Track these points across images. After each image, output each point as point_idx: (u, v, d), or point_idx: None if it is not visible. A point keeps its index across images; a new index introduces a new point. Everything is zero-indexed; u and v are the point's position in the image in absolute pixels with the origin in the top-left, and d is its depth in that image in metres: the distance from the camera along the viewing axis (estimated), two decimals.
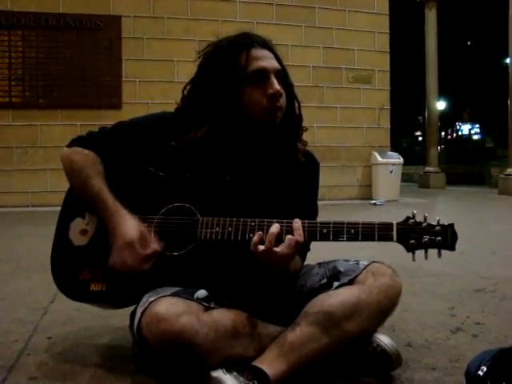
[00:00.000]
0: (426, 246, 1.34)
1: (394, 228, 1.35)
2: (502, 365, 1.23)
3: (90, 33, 7.86)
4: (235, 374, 1.27)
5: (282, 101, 1.48)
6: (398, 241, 1.35)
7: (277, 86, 1.45)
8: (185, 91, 1.55)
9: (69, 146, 1.57)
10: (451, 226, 1.36)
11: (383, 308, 1.45)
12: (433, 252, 1.35)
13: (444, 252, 1.34)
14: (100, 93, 7.87)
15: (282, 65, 1.51)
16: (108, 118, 7.52)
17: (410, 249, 1.35)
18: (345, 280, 1.48)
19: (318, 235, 1.38)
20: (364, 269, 1.50)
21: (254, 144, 1.53)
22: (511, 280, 2.83)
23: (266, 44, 1.50)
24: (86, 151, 1.53)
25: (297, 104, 1.57)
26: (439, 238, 1.34)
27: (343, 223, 1.37)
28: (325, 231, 1.38)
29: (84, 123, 7.34)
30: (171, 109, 1.60)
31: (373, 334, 1.49)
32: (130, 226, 1.42)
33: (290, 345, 1.36)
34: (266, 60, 1.46)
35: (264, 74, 1.45)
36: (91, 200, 1.47)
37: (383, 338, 1.49)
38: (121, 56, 7.99)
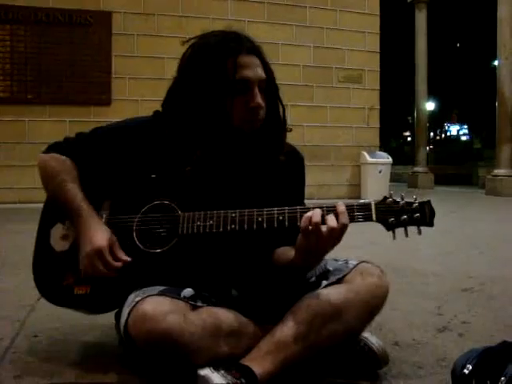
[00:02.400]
0: (405, 224, 1.35)
1: (373, 207, 1.36)
2: (486, 363, 1.24)
3: (80, 28, 7.80)
4: (223, 372, 1.27)
5: (262, 112, 1.47)
6: (378, 220, 1.36)
7: (258, 99, 1.43)
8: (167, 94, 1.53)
9: (45, 152, 1.57)
10: (428, 202, 1.37)
11: (371, 307, 1.46)
12: (414, 237, 1.35)
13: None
14: (89, 89, 7.81)
15: (269, 69, 1.49)
16: (97, 115, 7.49)
17: (390, 227, 1.35)
18: (333, 279, 1.48)
19: (298, 220, 1.37)
20: (353, 268, 1.50)
21: (236, 145, 1.52)
22: (498, 279, 2.86)
23: (254, 49, 1.47)
24: (63, 157, 1.54)
25: (281, 108, 1.55)
26: (417, 215, 1.35)
27: (322, 207, 1.36)
28: None
29: (73, 119, 7.30)
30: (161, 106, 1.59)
31: (360, 333, 1.50)
32: (100, 233, 1.43)
33: (278, 343, 1.36)
34: (251, 69, 1.44)
35: (247, 84, 1.43)
36: (65, 205, 1.48)
37: (370, 337, 1.50)
38: (111, 52, 7.93)
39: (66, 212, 1.50)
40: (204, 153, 1.47)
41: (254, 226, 1.39)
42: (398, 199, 1.37)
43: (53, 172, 1.52)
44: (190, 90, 1.45)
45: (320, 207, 1.36)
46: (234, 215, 1.40)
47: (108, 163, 1.52)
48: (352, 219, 1.35)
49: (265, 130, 1.51)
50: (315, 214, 1.33)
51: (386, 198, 1.38)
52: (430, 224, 1.36)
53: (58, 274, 1.51)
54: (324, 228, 1.33)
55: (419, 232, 1.35)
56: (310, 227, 1.32)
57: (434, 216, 1.36)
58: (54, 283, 1.52)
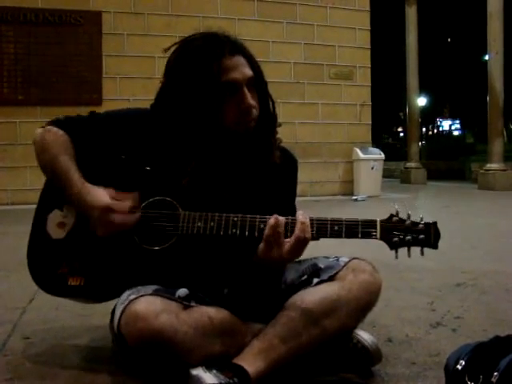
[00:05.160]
0: (409, 244, 1.35)
1: (378, 225, 1.35)
2: (479, 358, 1.24)
3: (70, 28, 7.76)
4: (215, 371, 1.27)
5: (255, 111, 1.45)
6: (382, 238, 1.35)
7: (249, 99, 1.42)
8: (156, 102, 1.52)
9: (43, 127, 1.55)
10: (434, 224, 1.36)
11: (363, 304, 1.46)
12: (415, 249, 1.36)
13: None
14: (80, 89, 7.77)
15: (255, 65, 1.47)
16: None
17: (393, 246, 1.35)
18: (325, 277, 1.48)
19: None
20: (344, 265, 1.50)
21: (230, 147, 1.51)
22: (491, 274, 2.87)
23: (236, 48, 1.44)
24: (61, 132, 1.51)
25: (271, 103, 1.53)
26: (422, 236, 1.34)
27: (327, 220, 1.36)
28: None
29: None
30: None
31: (353, 330, 1.50)
32: (99, 193, 1.41)
33: (271, 342, 1.35)
34: (237, 70, 1.41)
35: (236, 86, 1.41)
36: (58, 177, 1.46)
37: (363, 334, 1.50)
38: (101, 52, 7.90)
39: (59, 186, 1.47)
40: (198, 163, 1.46)
41: (256, 233, 1.37)
42: (404, 218, 1.36)
43: (48, 144, 1.48)
44: (178, 97, 1.44)
45: (286, 218, 1.36)
46: (235, 219, 1.39)
47: (104, 147, 1.50)
48: (356, 235, 1.35)
49: (258, 127, 1.49)
50: (279, 224, 1.34)
51: (392, 215, 1.37)
52: (435, 246, 1.35)
53: (53, 263, 1.50)
54: (286, 239, 1.34)
55: (422, 253, 1.35)
56: (273, 238, 1.33)
57: (438, 238, 1.35)
58: (47, 271, 1.50)
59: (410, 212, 1.38)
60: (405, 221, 1.36)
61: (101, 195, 1.41)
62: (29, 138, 7.44)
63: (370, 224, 1.36)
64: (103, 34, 7.91)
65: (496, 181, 9.79)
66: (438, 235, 1.35)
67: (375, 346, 1.48)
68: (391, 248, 1.35)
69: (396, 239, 1.35)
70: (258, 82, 1.48)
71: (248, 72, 1.44)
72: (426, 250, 1.36)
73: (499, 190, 9.50)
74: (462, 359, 1.26)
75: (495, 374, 1.18)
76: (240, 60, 1.44)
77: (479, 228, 5.01)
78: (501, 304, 2.28)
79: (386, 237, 1.35)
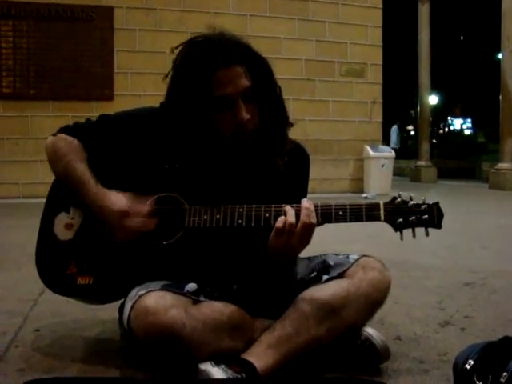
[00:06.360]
0: (413, 225, 1.36)
1: (381, 207, 1.37)
2: (488, 358, 1.24)
3: (82, 24, 7.80)
4: (223, 366, 1.28)
5: (251, 124, 1.42)
6: (386, 220, 1.36)
7: (243, 113, 1.39)
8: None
9: (54, 135, 1.57)
10: (437, 204, 1.37)
11: (372, 301, 1.46)
12: (420, 234, 1.36)
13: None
14: (92, 84, 7.81)
15: (257, 71, 1.42)
16: (99, 110, 7.41)
17: (398, 228, 1.36)
18: (334, 274, 1.48)
19: None
20: (354, 263, 1.50)
21: (235, 151, 1.50)
22: (500, 274, 2.85)
23: (233, 57, 1.39)
24: (70, 138, 1.53)
25: (280, 104, 1.50)
26: (426, 217, 1.35)
27: (330, 205, 1.37)
28: None
29: (75, 115, 7.27)
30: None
31: (361, 327, 1.50)
32: (115, 198, 1.43)
33: (279, 337, 1.36)
34: (230, 83, 1.38)
35: (230, 100, 1.39)
36: (74, 184, 1.48)
37: (372, 332, 1.50)
38: (113, 47, 7.94)
39: (75, 192, 1.48)
40: (204, 165, 1.47)
41: (262, 223, 1.38)
42: (407, 200, 1.38)
43: (61, 152, 1.51)
44: (177, 104, 1.44)
45: (291, 205, 1.37)
46: (241, 210, 1.39)
47: (115, 151, 1.51)
48: (360, 218, 1.36)
49: (263, 131, 1.48)
50: (290, 215, 1.35)
51: (394, 198, 1.38)
52: (438, 226, 1.36)
53: (61, 263, 1.51)
54: (296, 228, 1.34)
55: (427, 233, 1.36)
56: (286, 228, 1.34)
57: (442, 218, 1.36)
58: (56, 272, 1.52)
59: (412, 195, 1.39)
60: (408, 202, 1.38)
61: (117, 200, 1.42)
62: (40, 132, 7.50)
63: (374, 207, 1.37)
64: (115, 29, 7.95)
65: (507, 180, 9.72)
66: (441, 215, 1.36)
67: (383, 343, 1.49)
68: (396, 230, 1.36)
69: (400, 220, 1.36)
70: (259, 91, 1.43)
71: (243, 83, 1.39)
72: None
73: (510, 189, 9.42)
74: (471, 359, 1.26)
75: (504, 374, 1.17)
76: (235, 71, 1.39)
77: (489, 227, 4.98)
78: (510, 304, 2.27)
79: (390, 218, 1.36)
